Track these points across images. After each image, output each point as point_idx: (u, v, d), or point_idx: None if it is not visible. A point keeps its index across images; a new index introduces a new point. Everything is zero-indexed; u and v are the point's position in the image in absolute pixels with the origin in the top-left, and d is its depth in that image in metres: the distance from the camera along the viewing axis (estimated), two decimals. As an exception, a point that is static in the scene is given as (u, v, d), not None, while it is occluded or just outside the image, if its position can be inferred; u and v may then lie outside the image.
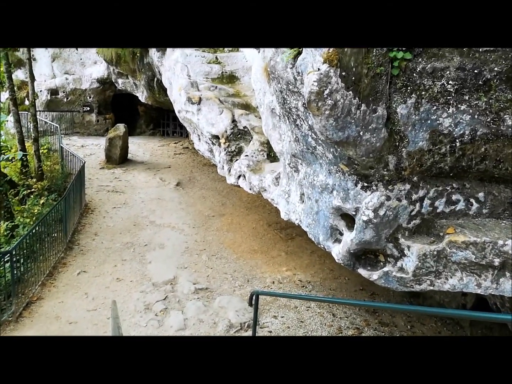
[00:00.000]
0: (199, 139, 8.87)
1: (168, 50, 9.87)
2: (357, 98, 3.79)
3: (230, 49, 10.08)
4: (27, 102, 21.45)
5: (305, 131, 4.59)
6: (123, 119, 21.85)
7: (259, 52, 5.77)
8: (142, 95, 18.08)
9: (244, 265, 9.36)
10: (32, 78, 13.23)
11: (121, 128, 17.32)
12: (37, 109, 14.95)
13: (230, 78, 9.26)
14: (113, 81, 20.27)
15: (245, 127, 7.74)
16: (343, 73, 3.71)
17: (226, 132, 7.74)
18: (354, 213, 4.48)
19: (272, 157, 7.44)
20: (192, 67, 9.10)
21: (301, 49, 4.15)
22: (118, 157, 16.70)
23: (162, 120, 24.50)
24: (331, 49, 3.69)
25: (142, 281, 8.43)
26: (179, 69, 9.00)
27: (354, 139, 3.93)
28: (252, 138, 7.70)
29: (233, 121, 7.77)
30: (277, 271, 9.10)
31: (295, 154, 5.22)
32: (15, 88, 14.07)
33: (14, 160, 13.25)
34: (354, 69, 3.73)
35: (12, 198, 11.38)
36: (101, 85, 22.26)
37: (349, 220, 4.70)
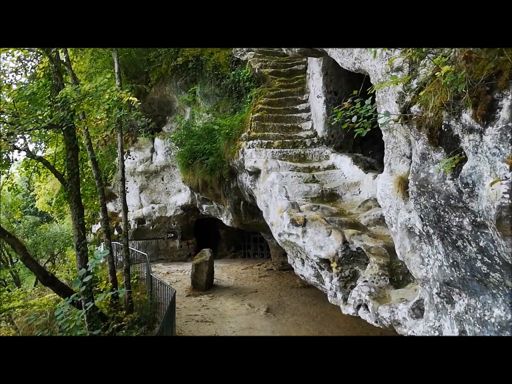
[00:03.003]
0: (303, 263, 8.10)
1: (262, 172, 9.68)
2: (562, 211, 2.91)
3: (326, 166, 9.71)
4: (115, 232, 22.30)
5: (472, 254, 3.68)
6: (204, 242, 21.91)
7: (385, 166, 5.16)
8: (226, 219, 18.06)
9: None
10: (126, 209, 13.55)
11: (206, 253, 17.11)
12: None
13: (331, 197, 8.72)
14: (197, 207, 20.66)
15: (358, 248, 6.91)
16: (540, 181, 2.89)
17: (338, 255, 6.93)
18: (561, 362, 3.32)
19: (395, 281, 6.45)
20: (290, 187, 8.70)
21: (463, 156, 3.44)
22: (204, 283, 16.23)
23: (243, 242, 24.31)
24: (518, 152, 2.93)
25: None
26: (277, 190, 8.62)
27: None
28: (368, 260, 6.81)
29: (344, 242, 6.99)
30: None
31: (450, 281, 4.24)
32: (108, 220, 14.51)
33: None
34: (553, 174, 2.91)
35: (102, 332, 10.91)
36: (184, 212, 22.82)
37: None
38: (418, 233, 4.61)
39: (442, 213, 3.73)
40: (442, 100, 3.28)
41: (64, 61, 10.95)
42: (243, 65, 15.71)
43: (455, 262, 4.00)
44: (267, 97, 12.61)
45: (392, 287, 6.34)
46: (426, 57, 3.67)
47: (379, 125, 4.03)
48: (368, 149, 10.52)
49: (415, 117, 3.69)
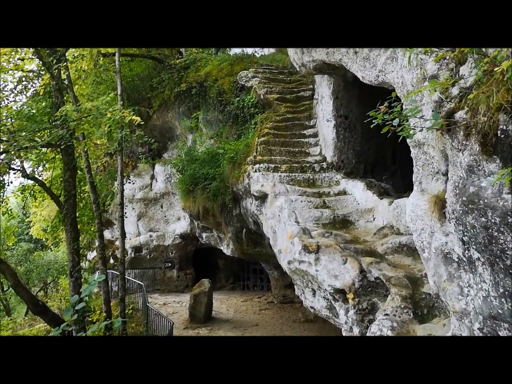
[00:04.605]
0: (314, 294, 7.51)
1: (270, 197, 9.19)
2: None
3: (337, 192, 9.23)
4: (111, 261, 21.58)
5: (531, 282, 3.15)
6: (203, 273, 21.19)
7: (415, 184, 4.67)
8: (227, 248, 17.45)
9: None
10: (123, 235, 12.98)
11: (205, 283, 16.44)
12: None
13: (343, 223, 8.19)
14: (197, 235, 20.08)
15: (377, 278, 6.35)
16: None
17: (354, 285, 6.36)
18: None
19: (419, 315, 5.86)
20: (300, 212, 8.19)
21: (525, 166, 2.96)
22: (203, 315, 15.48)
23: (242, 273, 23.59)
24: None
25: None
26: (286, 215, 8.10)
27: None
28: (387, 292, 6.24)
29: (362, 271, 6.43)
30: None
31: (498, 315, 3.68)
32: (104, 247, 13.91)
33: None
34: None
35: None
36: (183, 240, 22.21)
37: None
38: (457, 259, 4.08)
39: (496, 233, 3.22)
40: (501, 100, 2.83)
41: (66, 80, 10.62)
42: (247, 92, 15.48)
43: (506, 292, 3.46)
44: (273, 122, 12.26)
45: (416, 322, 5.74)
46: (474, 55, 3.25)
47: (426, 129, 3.56)
48: (379, 175, 10.09)
49: (463, 123, 3.23)
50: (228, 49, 21.06)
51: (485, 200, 3.20)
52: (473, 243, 3.58)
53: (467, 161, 3.44)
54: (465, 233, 3.64)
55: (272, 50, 19.79)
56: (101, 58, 16.99)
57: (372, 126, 3.42)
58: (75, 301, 6.34)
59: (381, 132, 3.33)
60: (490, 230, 3.27)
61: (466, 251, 3.81)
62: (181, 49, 20.93)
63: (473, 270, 3.85)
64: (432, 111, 3.97)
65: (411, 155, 5.03)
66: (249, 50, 19.92)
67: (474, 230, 3.45)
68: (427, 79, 4.15)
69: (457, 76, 3.65)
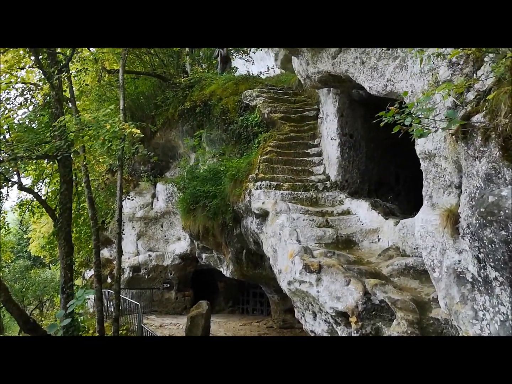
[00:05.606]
0: (314, 317, 7.11)
1: (271, 214, 8.88)
2: None
3: (340, 212, 8.92)
4: (109, 280, 21.14)
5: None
6: (201, 295, 20.71)
7: (425, 199, 4.36)
8: (226, 270, 17.05)
9: None
10: (120, 252, 12.60)
11: (203, 305, 15.93)
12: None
13: (347, 243, 7.87)
14: (197, 256, 19.68)
15: (382, 301, 5.98)
16: None
17: (358, 307, 5.99)
18: None
19: (427, 342, 5.46)
20: (302, 231, 7.86)
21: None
22: (199, 339, 14.96)
23: (242, 297, 23.08)
24: None
25: None
26: (287, 233, 7.77)
27: None
28: (392, 316, 5.87)
29: (366, 293, 6.07)
30: None
31: (518, 341, 3.33)
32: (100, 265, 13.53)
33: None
34: None
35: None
36: (182, 261, 21.81)
37: None
38: (471, 279, 3.74)
39: (518, 248, 2.89)
40: (525, 97, 2.56)
41: (67, 91, 10.47)
42: (251, 111, 15.34)
43: (529, 316, 3.12)
44: (277, 140, 12.06)
45: (424, 349, 5.36)
46: (495, 52, 2.99)
47: (442, 129, 3.27)
48: (384, 196, 9.79)
49: (482, 126, 2.95)
50: (233, 70, 21.07)
51: (506, 211, 2.89)
52: (490, 260, 3.24)
53: (485, 169, 3.14)
54: (481, 250, 3.31)
55: (277, 71, 19.77)
56: (106, 75, 16.94)
57: (381, 124, 3.15)
58: (61, 317, 6.00)
59: (392, 132, 3.06)
60: (510, 245, 2.94)
61: (482, 270, 3.48)
62: (186, 68, 20.95)
63: (489, 291, 3.51)
64: (446, 117, 3.70)
65: (420, 168, 4.74)
66: (255, 71, 19.95)
67: (493, 245, 3.12)
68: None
69: (474, 76, 3.39)
